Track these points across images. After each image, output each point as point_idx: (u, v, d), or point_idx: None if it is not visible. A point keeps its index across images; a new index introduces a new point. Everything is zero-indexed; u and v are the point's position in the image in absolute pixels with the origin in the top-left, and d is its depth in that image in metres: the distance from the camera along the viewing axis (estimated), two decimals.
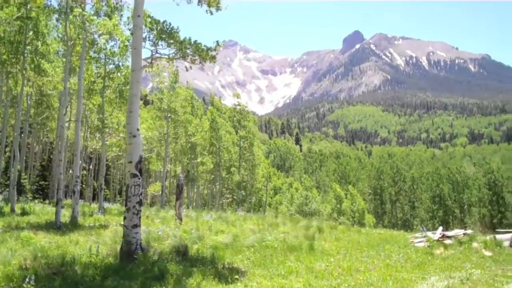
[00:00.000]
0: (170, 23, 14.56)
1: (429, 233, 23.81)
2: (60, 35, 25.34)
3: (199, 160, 59.47)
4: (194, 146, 58.28)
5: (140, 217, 12.12)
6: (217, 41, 14.70)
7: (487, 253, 18.08)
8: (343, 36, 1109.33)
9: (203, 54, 14.35)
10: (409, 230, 52.43)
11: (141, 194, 12.23)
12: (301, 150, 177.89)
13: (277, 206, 72.12)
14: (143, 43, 13.48)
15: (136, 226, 11.91)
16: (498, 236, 21.58)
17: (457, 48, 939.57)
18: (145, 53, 13.59)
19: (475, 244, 20.01)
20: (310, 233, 21.37)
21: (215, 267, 11.40)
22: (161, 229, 17.78)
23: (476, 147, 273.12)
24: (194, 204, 63.27)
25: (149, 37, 14.36)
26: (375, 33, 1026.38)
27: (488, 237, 21.90)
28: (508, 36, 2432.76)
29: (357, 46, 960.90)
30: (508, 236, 21.27)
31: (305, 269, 12.44)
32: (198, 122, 59.24)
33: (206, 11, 14.53)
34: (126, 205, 12.00)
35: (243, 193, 63.60)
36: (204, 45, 14.45)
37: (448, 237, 22.02)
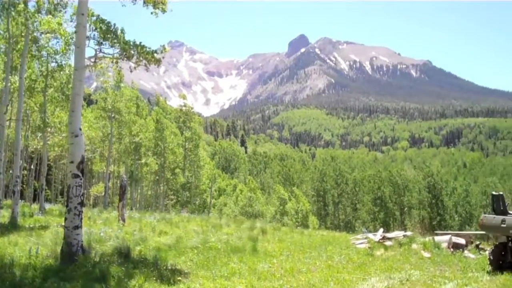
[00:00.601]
0: (115, 23, 14.40)
1: (370, 235, 24.23)
2: (1, 32, 24.62)
3: (143, 161, 58.81)
4: (138, 147, 57.62)
5: (81, 218, 11.94)
6: (163, 45, 14.66)
7: (426, 255, 18.53)
8: (289, 40, 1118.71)
9: (148, 57, 14.27)
10: (351, 232, 53.19)
11: (83, 195, 12.05)
12: (246, 152, 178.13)
13: (222, 207, 71.98)
14: (87, 42, 13.28)
15: (78, 227, 11.73)
16: (437, 238, 22.11)
17: (399, 54, 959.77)
18: (89, 52, 13.44)
19: (414, 246, 20.48)
20: (254, 235, 21.43)
21: (157, 269, 11.32)
22: (103, 231, 17.52)
23: (417, 150, 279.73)
24: (138, 205, 62.56)
25: (93, 36, 14.17)
26: (320, 37, 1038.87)
27: (427, 239, 22.43)
28: (448, 43, 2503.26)
29: (302, 49, 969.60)
30: (446, 238, 21.82)
31: (248, 271, 12.49)
32: (143, 123, 58.56)
33: (152, 12, 14.45)
34: (67, 206, 11.80)
35: (188, 195, 63.32)
36: (149, 48, 14.37)
37: (389, 238, 22.46)
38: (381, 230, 27.09)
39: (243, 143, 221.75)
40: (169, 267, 11.82)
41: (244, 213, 64.76)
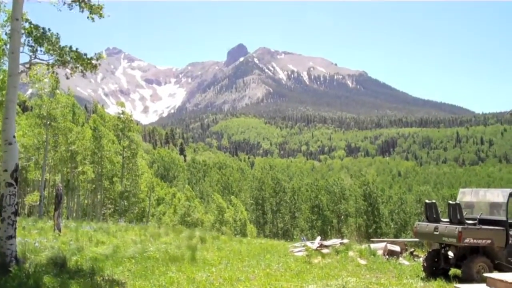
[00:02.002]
0: (49, 28, 14.11)
1: (308, 243, 24.49)
2: None
3: (80, 169, 57.56)
4: (74, 155, 56.35)
5: (15, 228, 11.63)
6: (99, 53, 14.46)
7: (362, 262, 18.86)
8: (228, 49, 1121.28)
9: (84, 63, 14.04)
10: (289, 240, 53.64)
11: (17, 204, 11.74)
12: (185, 160, 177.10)
13: (160, 216, 71.29)
14: (21, 47, 12.98)
15: (11, 237, 11.41)
16: (373, 245, 22.55)
17: (336, 64, 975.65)
18: (24, 58, 13.12)
19: (351, 253, 20.82)
20: (193, 244, 21.35)
21: (94, 279, 11.12)
22: (38, 241, 17.08)
23: (353, 159, 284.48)
24: (74, 215, 61.08)
25: (27, 42, 13.85)
26: (259, 47, 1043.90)
27: (364, 246, 22.84)
28: (384, 54, 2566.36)
29: (241, 59, 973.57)
30: (381, 245, 22.28)
31: (187, 280, 12.42)
32: (80, 130, 57.33)
33: (88, 17, 14.23)
34: (0, 216, 11.46)
35: (126, 204, 62.29)
36: (85, 54, 14.14)
37: (326, 246, 22.76)
38: (319, 238, 27.45)
39: (182, 152, 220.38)
40: (106, 277, 11.63)
41: (183, 222, 64.35)
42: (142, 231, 27.04)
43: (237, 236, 42.71)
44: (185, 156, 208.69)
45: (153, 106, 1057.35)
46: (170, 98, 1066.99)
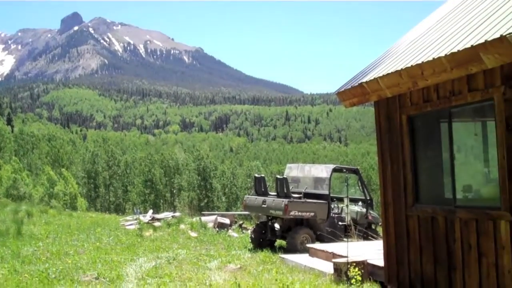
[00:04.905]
0: None
1: (140, 216, 24.52)
2: None
3: None
4: None
5: None
6: None
7: (193, 234, 19.29)
8: (62, 16, 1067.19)
9: None
10: (121, 214, 53.13)
11: None
12: (12, 131, 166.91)
13: None
14: None
15: None
16: (204, 218, 23.11)
17: (173, 39, 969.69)
18: None
19: (182, 226, 21.20)
20: (19, 218, 20.49)
21: None
22: None
23: (187, 134, 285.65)
24: None
25: None
26: (95, 17, 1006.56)
27: (195, 219, 23.34)
28: (219, 32, 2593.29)
29: (76, 28, 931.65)
30: (212, 218, 22.91)
31: (11, 255, 11.96)
32: None
33: None
34: None
35: None
36: None
37: (158, 219, 22.96)
38: (151, 211, 27.55)
39: (9, 122, 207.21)
40: None
41: (9, 195, 60.91)
42: None
43: (67, 210, 41.40)
44: (12, 126, 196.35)
45: None
46: None
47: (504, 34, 5.95)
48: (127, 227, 21.66)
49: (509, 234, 6.58)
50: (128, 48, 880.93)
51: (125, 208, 79.24)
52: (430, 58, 7.25)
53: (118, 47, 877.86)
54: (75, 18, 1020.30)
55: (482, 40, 6.30)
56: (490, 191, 7.59)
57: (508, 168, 6.56)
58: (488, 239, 6.93)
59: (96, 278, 9.79)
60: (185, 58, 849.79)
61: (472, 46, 6.44)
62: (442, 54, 6.99)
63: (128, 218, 26.21)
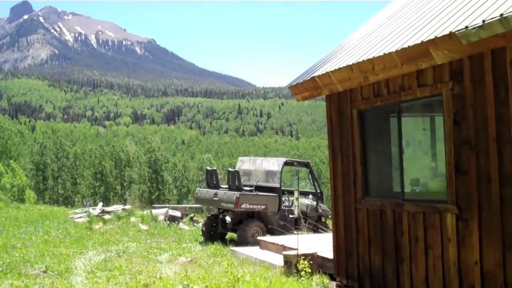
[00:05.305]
0: None
1: (90, 209, 24.20)
2: None
3: None
4: None
5: None
6: None
7: (144, 227, 19.15)
8: (11, 5, 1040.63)
9: None
10: (70, 206, 52.29)
11: None
12: None
13: None
14: None
15: None
16: (155, 211, 22.97)
17: (125, 30, 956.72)
18: None
19: (133, 219, 21.02)
20: None
21: None
22: None
23: (139, 126, 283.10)
24: None
25: None
26: (45, 6, 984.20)
27: (145, 212, 23.18)
28: (172, 24, 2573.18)
29: (25, 16, 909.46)
30: (163, 211, 22.80)
31: None
32: None
33: None
34: None
35: None
36: None
37: (108, 212, 22.70)
38: (101, 204, 27.22)
39: None
40: None
41: None
42: None
43: (14, 202, 40.53)
44: None
45: None
46: None
47: (453, 31, 6.07)
48: (76, 220, 21.35)
49: (455, 227, 6.73)
50: (79, 38, 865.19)
51: (74, 200, 78.06)
52: (381, 53, 7.33)
53: (69, 37, 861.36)
54: (24, 6, 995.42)
55: (432, 36, 6.41)
56: (437, 185, 7.75)
57: (455, 163, 6.71)
58: (435, 232, 7.07)
59: (44, 272, 9.62)
60: (137, 49, 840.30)
61: (422, 42, 6.54)
62: (393, 50, 7.08)
63: (77, 211, 25.84)
